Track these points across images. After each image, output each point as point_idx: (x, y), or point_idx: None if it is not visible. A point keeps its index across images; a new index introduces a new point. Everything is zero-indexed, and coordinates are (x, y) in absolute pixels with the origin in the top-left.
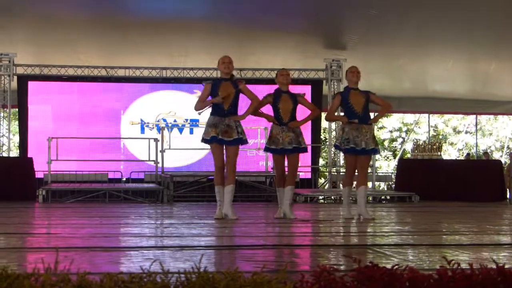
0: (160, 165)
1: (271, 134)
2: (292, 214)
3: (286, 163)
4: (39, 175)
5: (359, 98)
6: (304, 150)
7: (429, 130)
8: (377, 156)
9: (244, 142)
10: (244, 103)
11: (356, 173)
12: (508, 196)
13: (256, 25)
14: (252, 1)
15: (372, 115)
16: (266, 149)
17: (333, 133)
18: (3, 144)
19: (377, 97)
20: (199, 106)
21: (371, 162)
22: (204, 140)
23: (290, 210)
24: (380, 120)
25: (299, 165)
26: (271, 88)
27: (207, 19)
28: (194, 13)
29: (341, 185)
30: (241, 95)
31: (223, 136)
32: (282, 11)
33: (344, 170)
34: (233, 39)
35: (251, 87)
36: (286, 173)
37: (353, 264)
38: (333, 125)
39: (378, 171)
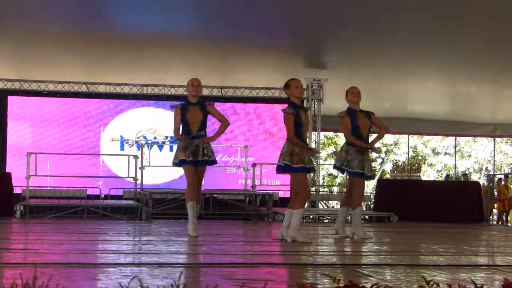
0: (139, 182)
1: (292, 151)
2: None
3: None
4: (17, 190)
5: (365, 121)
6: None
7: (408, 151)
8: None
9: (213, 162)
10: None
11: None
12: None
13: (237, 44)
14: (234, 20)
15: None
16: (296, 169)
17: None
18: None
19: (377, 119)
20: (176, 137)
21: None
22: (174, 164)
23: (296, 234)
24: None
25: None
26: (251, 107)
27: (189, 37)
28: (176, 31)
29: (320, 204)
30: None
31: (193, 157)
32: (264, 30)
33: (323, 190)
34: (214, 57)
35: (231, 105)
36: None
37: (332, 283)
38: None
39: None
